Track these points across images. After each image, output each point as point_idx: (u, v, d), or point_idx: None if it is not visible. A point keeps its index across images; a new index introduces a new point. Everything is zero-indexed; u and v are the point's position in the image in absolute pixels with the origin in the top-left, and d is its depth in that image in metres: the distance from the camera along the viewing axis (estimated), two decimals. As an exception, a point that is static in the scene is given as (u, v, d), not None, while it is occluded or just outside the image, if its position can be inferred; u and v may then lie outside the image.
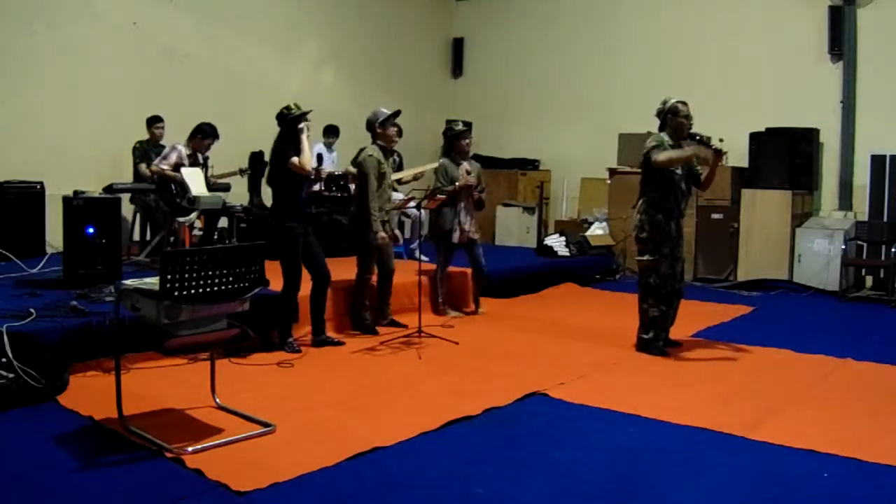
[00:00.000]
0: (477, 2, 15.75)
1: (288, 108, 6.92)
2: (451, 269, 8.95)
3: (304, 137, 6.81)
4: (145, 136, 9.94)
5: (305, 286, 7.15)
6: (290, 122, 6.87)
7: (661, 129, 7.21)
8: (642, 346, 7.23)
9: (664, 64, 13.37)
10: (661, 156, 6.85)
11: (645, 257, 7.11)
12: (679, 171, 7.10)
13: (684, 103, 7.17)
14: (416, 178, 10.24)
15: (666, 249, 7.05)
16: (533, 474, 4.37)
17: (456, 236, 8.60)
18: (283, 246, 6.88)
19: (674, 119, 7.11)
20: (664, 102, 7.22)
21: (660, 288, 7.06)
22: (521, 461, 4.56)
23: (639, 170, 7.43)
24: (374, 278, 7.99)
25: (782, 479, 4.36)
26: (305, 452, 4.55)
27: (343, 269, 7.87)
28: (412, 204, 8.07)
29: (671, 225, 7.07)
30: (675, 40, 13.36)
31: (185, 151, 8.91)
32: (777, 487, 4.24)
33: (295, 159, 6.77)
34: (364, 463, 4.46)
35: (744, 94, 12.60)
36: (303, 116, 6.87)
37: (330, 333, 7.42)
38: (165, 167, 8.74)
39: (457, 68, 16.01)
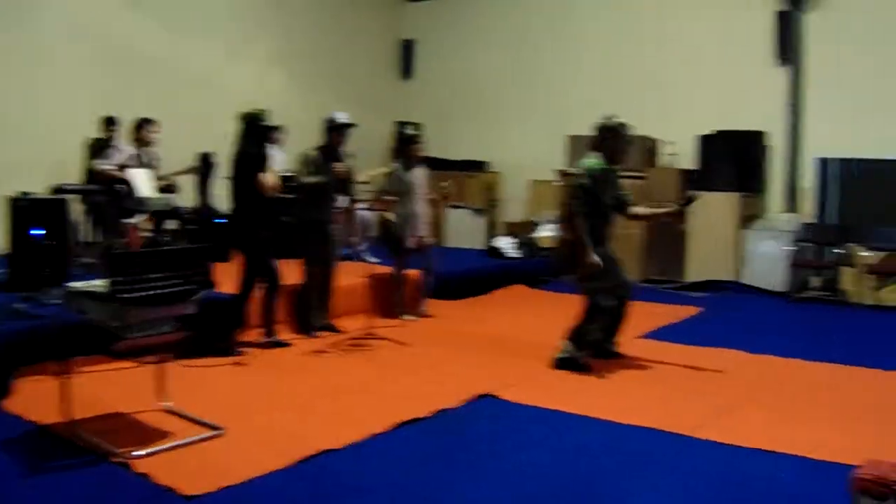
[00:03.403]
0: (427, 3, 15.68)
1: (259, 112, 6.80)
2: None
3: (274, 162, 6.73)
4: (97, 136, 9.75)
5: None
6: (260, 131, 6.77)
7: (597, 146, 6.75)
8: (569, 362, 6.69)
9: (614, 67, 13.43)
10: (637, 210, 6.76)
11: (586, 284, 6.70)
12: (608, 201, 6.73)
13: (627, 126, 6.76)
14: (368, 180, 10.17)
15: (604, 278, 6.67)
16: (483, 476, 4.36)
17: (409, 241, 8.56)
18: (249, 250, 6.79)
19: (614, 141, 6.69)
20: (608, 118, 6.75)
21: (609, 309, 6.76)
22: (471, 463, 4.55)
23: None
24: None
25: (730, 479, 4.40)
26: (255, 456, 4.49)
27: (291, 271, 7.78)
28: (361, 206, 8.00)
29: (603, 251, 6.66)
30: (626, 44, 13.41)
31: (132, 152, 8.77)
32: (725, 487, 4.29)
33: (265, 177, 6.69)
34: (314, 466, 4.42)
35: (693, 97, 12.68)
36: (273, 130, 6.79)
37: (278, 335, 7.33)
38: (110, 167, 8.59)
39: (406, 70, 15.92)
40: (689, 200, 6.88)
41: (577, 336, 6.71)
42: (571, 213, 6.62)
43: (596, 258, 6.47)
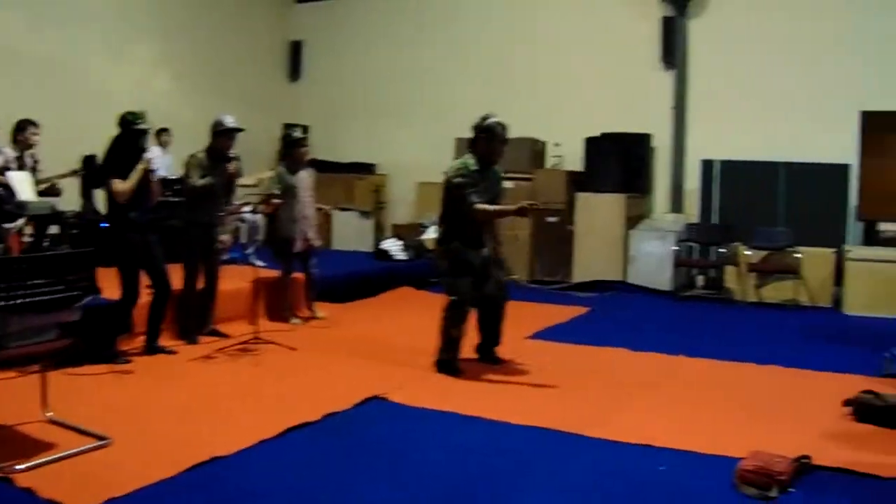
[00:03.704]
0: (315, 4, 15.49)
1: (135, 115, 6.55)
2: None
3: (140, 166, 6.48)
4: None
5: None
6: (132, 134, 6.53)
7: (471, 145, 6.69)
8: (442, 365, 6.63)
9: (502, 70, 13.48)
10: (480, 208, 6.41)
11: (446, 281, 6.67)
12: (483, 201, 6.55)
13: (503, 126, 6.62)
14: (256, 183, 9.97)
15: (469, 278, 6.58)
16: (374, 479, 4.29)
17: (298, 245, 8.41)
18: (121, 255, 6.55)
19: (488, 142, 6.57)
20: (483, 119, 6.62)
21: (463, 305, 6.58)
22: (362, 466, 4.48)
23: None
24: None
25: (620, 474, 4.41)
26: (143, 465, 4.31)
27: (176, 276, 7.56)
28: (247, 208, 7.85)
29: (477, 253, 6.59)
30: (514, 46, 13.48)
31: (11, 155, 8.43)
32: (616, 483, 4.29)
33: (117, 182, 6.43)
34: (203, 473, 4.28)
35: (580, 99, 12.82)
36: (145, 134, 6.57)
37: (162, 342, 7.11)
38: None
39: (294, 71, 15.70)
40: (533, 206, 6.77)
41: (442, 336, 6.63)
42: (445, 213, 6.61)
43: (470, 257, 6.50)
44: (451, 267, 6.58)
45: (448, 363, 6.59)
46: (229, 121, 7.47)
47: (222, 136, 7.44)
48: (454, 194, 6.49)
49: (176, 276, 7.34)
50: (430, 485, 4.23)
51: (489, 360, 6.95)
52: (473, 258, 6.53)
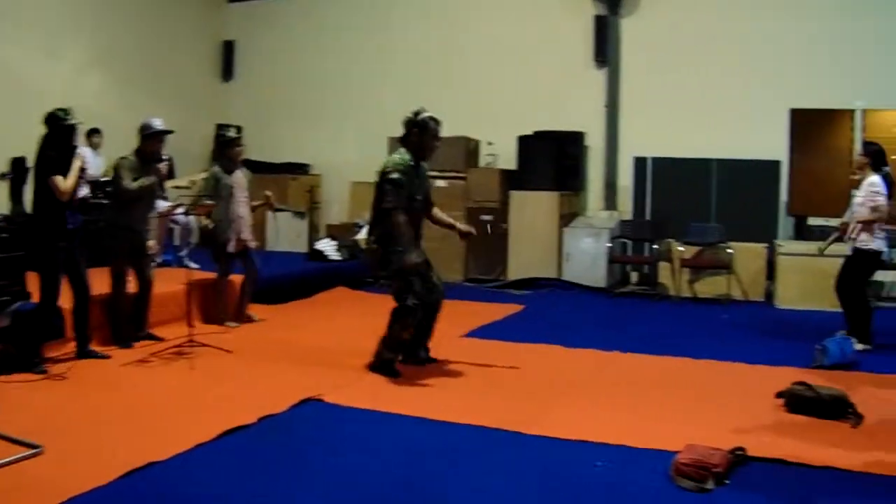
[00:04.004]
0: (248, 4, 15.29)
1: (64, 112, 6.35)
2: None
3: (76, 163, 6.31)
4: None
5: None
6: (63, 130, 6.34)
7: (403, 141, 6.58)
8: (382, 366, 6.47)
9: (436, 69, 13.44)
10: (396, 215, 6.23)
11: (395, 282, 6.45)
12: (418, 197, 6.54)
13: (437, 121, 6.53)
14: (189, 185, 9.80)
15: (418, 279, 6.43)
16: (312, 481, 4.22)
17: (232, 245, 8.27)
18: (43, 261, 6.35)
19: (421, 136, 6.48)
20: (416, 113, 6.52)
21: (417, 309, 6.44)
22: (300, 468, 4.40)
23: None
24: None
25: (558, 471, 4.40)
26: (76, 473, 4.16)
27: (106, 280, 7.37)
28: (180, 210, 7.70)
29: (416, 252, 6.38)
30: (448, 45, 13.45)
31: None
32: (554, 480, 4.28)
33: (59, 179, 6.21)
34: (139, 479, 4.15)
35: (513, 98, 12.84)
36: (75, 130, 6.39)
37: (96, 347, 6.92)
38: None
39: (227, 71, 15.48)
40: (487, 232, 6.66)
41: (389, 339, 6.48)
42: (380, 211, 6.41)
43: (414, 257, 6.30)
44: (398, 270, 6.37)
45: (389, 364, 6.46)
46: (157, 123, 7.31)
47: (151, 138, 7.28)
48: (384, 189, 6.36)
49: (105, 280, 7.18)
50: (368, 485, 4.18)
51: (420, 359, 6.84)
52: (418, 257, 6.39)
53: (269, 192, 8.85)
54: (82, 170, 6.45)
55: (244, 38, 15.30)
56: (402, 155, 6.49)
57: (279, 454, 4.63)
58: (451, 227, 6.82)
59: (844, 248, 8.02)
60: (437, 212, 6.90)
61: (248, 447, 4.75)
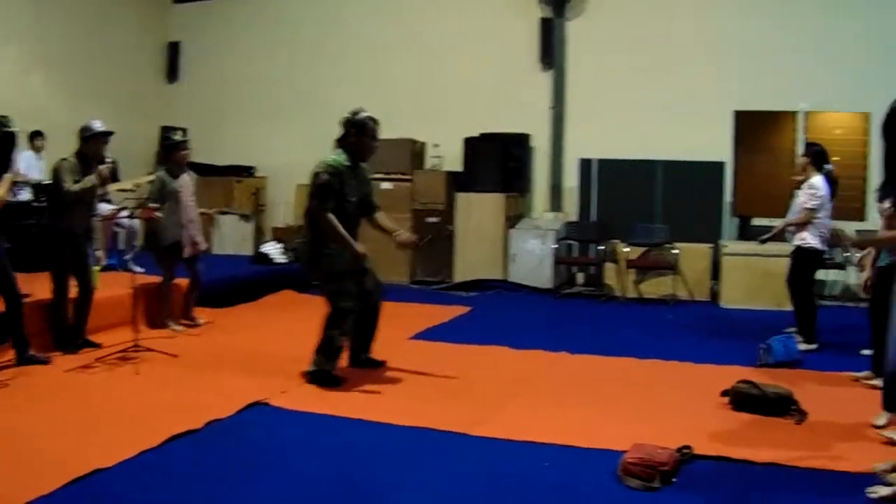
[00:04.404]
0: (193, 5, 15.06)
1: (3, 119, 6.21)
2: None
3: (8, 176, 6.15)
4: None
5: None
6: (1, 138, 6.18)
7: (340, 142, 6.41)
8: (320, 376, 6.24)
9: (382, 70, 13.35)
10: (328, 219, 6.09)
11: (327, 286, 6.34)
12: (353, 199, 6.34)
13: (375, 121, 6.38)
14: (134, 188, 9.63)
15: (352, 283, 6.30)
16: (259, 486, 4.16)
17: (187, 250, 8.15)
18: None
19: (360, 137, 6.32)
20: (354, 113, 6.38)
21: (351, 312, 6.31)
22: (246, 473, 4.34)
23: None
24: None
25: (505, 472, 4.39)
26: (19, 482, 4.04)
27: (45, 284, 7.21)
28: (124, 214, 7.55)
29: (346, 254, 6.27)
30: (395, 47, 13.37)
31: None
32: (501, 481, 4.26)
33: None
34: (84, 487, 4.04)
35: (459, 100, 12.80)
36: (13, 137, 6.21)
37: (38, 353, 6.73)
38: None
39: (172, 73, 15.25)
40: (424, 241, 6.51)
41: (325, 346, 6.29)
42: (313, 212, 6.25)
43: (361, 247, 6.20)
44: (328, 274, 6.28)
45: (327, 374, 6.26)
46: (97, 125, 7.15)
47: (92, 140, 7.11)
48: (329, 191, 6.20)
49: (45, 285, 7.05)
50: (315, 488, 4.14)
51: (365, 363, 6.75)
52: (347, 261, 6.26)
53: (213, 211, 8.68)
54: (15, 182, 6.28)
55: (190, 39, 15.08)
56: (335, 156, 6.33)
57: (226, 459, 4.56)
58: (390, 233, 6.62)
59: (786, 247, 8.11)
60: (380, 216, 6.72)
61: (194, 452, 4.67)
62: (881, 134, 3.80)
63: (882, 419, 5.24)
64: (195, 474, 4.31)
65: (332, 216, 6.13)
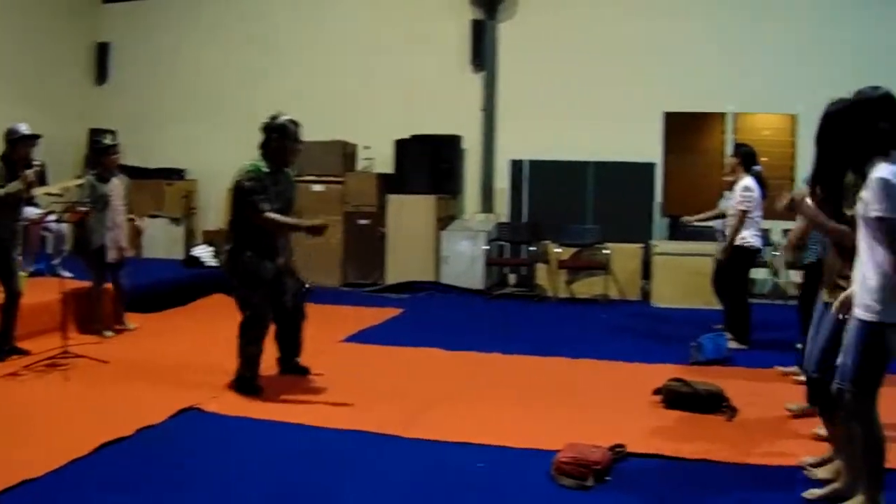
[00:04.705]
0: (123, 5, 14.74)
1: None
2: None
3: None
4: None
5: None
6: None
7: (262, 147, 6.23)
8: (240, 384, 6.07)
9: (313, 72, 13.20)
10: (270, 217, 5.97)
11: (240, 293, 6.13)
12: (275, 206, 6.09)
13: (296, 124, 6.25)
14: (62, 192, 9.38)
15: (263, 291, 6.10)
16: (191, 492, 4.10)
17: (112, 255, 7.95)
18: None
19: (281, 141, 6.15)
20: (273, 118, 6.26)
21: (259, 321, 6.09)
22: (179, 480, 4.26)
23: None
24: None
25: (440, 473, 4.38)
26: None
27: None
28: (52, 218, 7.36)
29: (272, 264, 6.12)
30: (326, 49, 13.24)
31: None
32: (435, 482, 4.26)
33: None
34: (12, 499, 3.92)
35: (391, 102, 12.72)
36: None
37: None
38: None
39: (101, 74, 14.93)
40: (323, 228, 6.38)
41: (241, 354, 6.12)
42: (232, 219, 6.13)
43: (318, 221, 6.17)
44: (243, 280, 6.09)
45: (248, 382, 6.09)
46: (23, 128, 6.95)
47: (17, 144, 6.92)
48: (243, 200, 6.04)
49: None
50: (250, 494, 4.10)
51: (294, 369, 6.61)
52: (267, 270, 6.09)
53: (135, 220, 8.51)
54: None
55: (119, 40, 14.76)
56: (255, 162, 6.17)
57: (158, 466, 4.48)
58: (301, 228, 6.43)
59: (712, 247, 8.24)
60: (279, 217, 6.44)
61: (125, 460, 4.56)
62: (815, 140, 3.84)
63: (794, 405, 5.44)
64: (127, 482, 4.21)
65: (270, 215, 5.98)
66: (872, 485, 3.66)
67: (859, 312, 3.64)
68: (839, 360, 3.77)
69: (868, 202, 3.51)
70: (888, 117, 3.60)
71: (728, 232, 7.76)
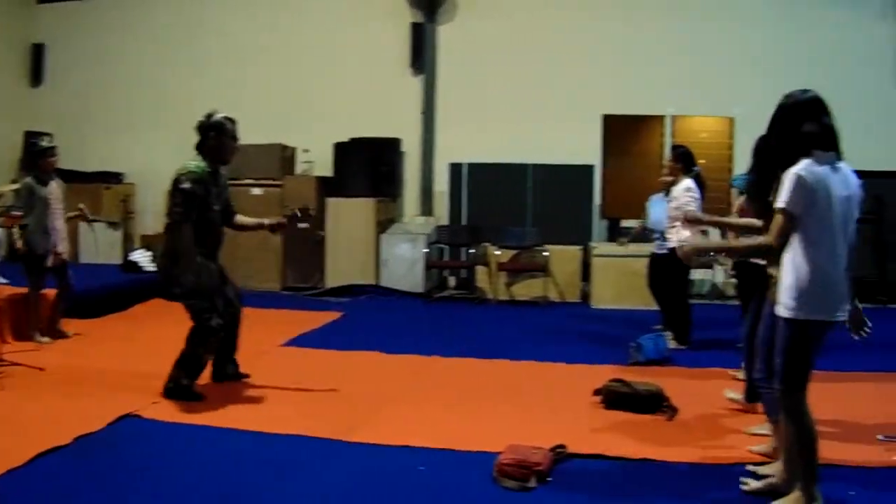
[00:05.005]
0: (58, 5, 14.46)
1: None
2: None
3: None
4: None
5: None
6: None
7: (200, 147, 6.11)
8: (180, 391, 5.87)
9: (252, 76, 13.06)
10: (241, 219, 6.03)
11: (193, 302, 5.94)
12: (216, 207, 6.06)
13: (232, 121, 6.17)
14: None
15: (216, 295, 6.05)
16: (133, 500, 4.01)
17: (50, 259, 7.78)
18: None
19: (219, 139, 6.05)
20: (209, 116, 6.14)
21: (220, 330, 5.99)
22: (119, 488, 4.16)
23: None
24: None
25: (382, 477, 4.36)
26: None
27: None
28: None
29: (215, 264, 6.09)
30: (264, 51, 13.12)
31: None
32: (376, 486, 4.23)
33: None
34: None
35: (330, 105, 12.65)
36: None
37: None
38: None
39: (36, 76, 14.63)
40: (297, 214, 6.32)
41: (188, 362, 5.97)
42: (173, 221, 5.91)
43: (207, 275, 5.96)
44: (196, 287, 5.91)
45: (186, 389, 5.93)
46: None
47: None
48: (188, 199, 5.86)
49: None
50: (191, 500, 4.02)
51: (230, 376, 6.44)
52: (213, 272, 6.02)
53: (82, 205, 8.39)
54: None
55: (55, 41, 14.48)
56: (197, 162, 6.04)
57: (97, 474, 4.36)
58: (259, 226, 6.50)
59: (649, 248, 8.32)
60: (240, 218, 6.50)
61: (63, 469, 4.44)
62: (752, 154, 3.95)
63: (733, 393, 5.59)
64: (65, 492, 4.11)
65: (189, 230, 5.82)
66: (807, 478, 3.72)
67: (778, 309, 3.74)
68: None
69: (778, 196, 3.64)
70: (814, 119, 3.70)
71: (677, 237, 7.78)
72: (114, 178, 13.54)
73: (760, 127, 3.98)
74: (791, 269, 3.69)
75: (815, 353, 3.74)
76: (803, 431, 3.71)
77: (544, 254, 10.98)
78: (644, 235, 8.94)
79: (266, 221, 6.49)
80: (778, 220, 3.66)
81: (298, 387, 6.26)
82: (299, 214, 6.24)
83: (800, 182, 3.58)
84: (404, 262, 11.52)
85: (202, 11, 13.59)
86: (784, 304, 3.71)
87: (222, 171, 6.28)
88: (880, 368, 6.95)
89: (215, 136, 6.05)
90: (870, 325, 3.96)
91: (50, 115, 13.81)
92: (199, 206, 5.88)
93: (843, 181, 3.68)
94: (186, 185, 5.84)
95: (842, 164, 3.72)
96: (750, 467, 4.34)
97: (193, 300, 5.93)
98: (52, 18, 14.44)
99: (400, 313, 10.18)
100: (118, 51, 13.90)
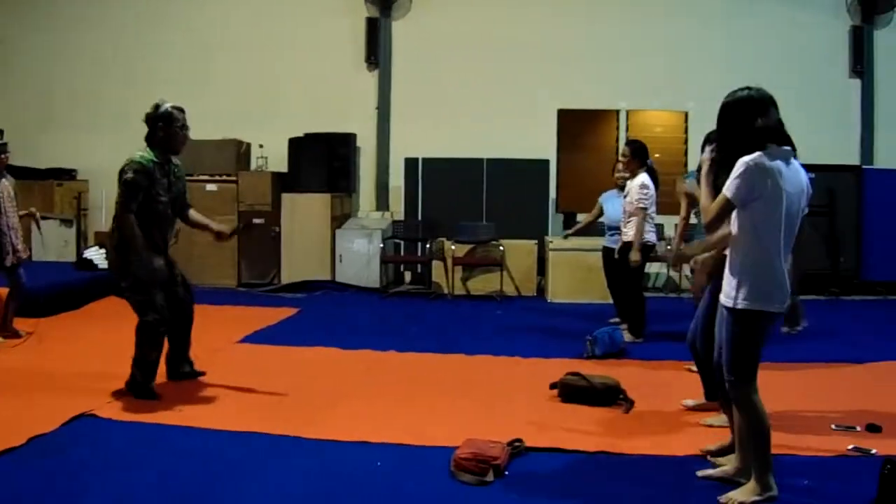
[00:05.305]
0: (8, 1, 14.29)
1: None
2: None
3: None
4: None
5: None
6: None
7: (150, 138, 6.04)
8: (136, 390, 5.81)
9: (205, 71, 12.91)
10: (130, 222, 5.76)
11: (133, 296, 5.88)
12: (164, 198, 5.96)
13: (181, 110, 6.07)
14: None
15: (160, 292, 5.93)
16: (90, 500, 3.95)
17: (10, 259, 7.66)
18: None
19: (168, 129, 5.98)
20: (156, 106, 6.06)
21: (160, 325, 5.89)
22: (75, 489, 4.09)
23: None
24: None
25: (338, 473, 4.34)
26: None
27: None
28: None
29: (161, 259, 5.98)
30: (218, 47, 12.99)
31: None
32: (333, 482, 4.21)
33: None
34: None
35: (284, 100, 12.60)
36: None
37: None
38: None
39: (-11, 71, 14.43)
40: (242, 229, 6.22)
41: (138, 361, 5.89)
42: (120, 213, 5.84)
43: (158, 262, 5.89)
44: (137, 281, 5.85)
45: (143, 387, 5.86)
46: None
47: None
48: (136, 190, 5.81)
49: None
50: (148, 500, 3.98)
51: (185, 374, 6.37)
52: (160, 266, 5.94)
53: (33, 208, 8.26)
54: None
55: (6, 37, 14.26)
56: (143, 153, 5.97)
57: (52, 475, 4.29)
58: (206, 228, 6.39)
59: (603, 242, 8.42)
60: (193, 213, 6.42)
61: (17, 471, 4.36)
62: (717, 123, 3.98)
63: (691, 402, 5.51)
64: (20, 494, 4.04)
65: (133, 220, 5.76)
66: (761, 468, 3.77)
67: (721, 299, 3.79)
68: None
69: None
70: (765, 114, 3.75)
71: (632, 232, 7.82)
72: (66, 174, 13.34)
73: (714, 121, 4.00)
74: (737, 260, 3.73)
75: (762, 344, 3.78)
76: (756, 421, 3.76)
77: (500, 248, 11.01)
78: (588, 230, 9.01)
79: (214, 226, 6.38)
80: (719, 202, 3.70)
81: (254, 384, 6.19)
82: (243, 229, 6.15)
83: (748, 171, 3.62)
84: (360, 257, 11.49)
85: (155, 6, 13.44)
86: (726, 293, 3.76)
87: (176, 161, 6.21)
88: (833, 359, 7.03)
89: (164, 127, 5.99)
90: (806, 323, 4.02)
91: (1, 112, 13.60)
92: (145, 197, 5.81)
93: (794, 176, 3.72)
94: (129, 175, 5.79)
95: (794, 160, 3.77)
96: (708, 450, 4.41)
97: (135, 294, 5.88)
98: (5, 13, 14.21)
99: (356, 308, 10.16)
100: (70, 45, 13.70)
